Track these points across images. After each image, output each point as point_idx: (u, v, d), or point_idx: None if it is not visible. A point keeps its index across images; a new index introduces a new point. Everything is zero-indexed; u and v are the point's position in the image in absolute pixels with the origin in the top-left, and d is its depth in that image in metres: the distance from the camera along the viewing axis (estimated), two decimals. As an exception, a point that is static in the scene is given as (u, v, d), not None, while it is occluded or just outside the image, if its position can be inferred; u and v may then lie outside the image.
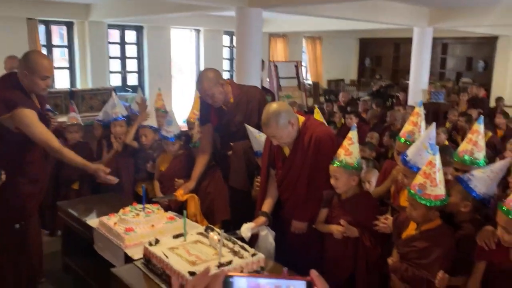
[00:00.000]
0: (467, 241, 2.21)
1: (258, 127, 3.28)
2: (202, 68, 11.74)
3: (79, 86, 9.67)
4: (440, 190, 2.19)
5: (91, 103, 9.07)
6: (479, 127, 2.55)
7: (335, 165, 2.60)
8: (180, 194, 3.41)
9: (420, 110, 2.69)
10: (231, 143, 3.40)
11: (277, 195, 2.93)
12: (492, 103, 9.90)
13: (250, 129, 3.24)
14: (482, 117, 2.80)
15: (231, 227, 3.56)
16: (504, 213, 1.95)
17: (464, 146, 2.60)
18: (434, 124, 2.49)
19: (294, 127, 2.71)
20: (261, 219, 2.80)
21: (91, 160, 4.24)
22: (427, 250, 2.22)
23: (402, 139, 2.70)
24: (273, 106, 2.70)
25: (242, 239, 2.69)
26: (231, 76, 12.19)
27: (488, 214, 2.31)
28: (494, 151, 5.77)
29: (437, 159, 2.19)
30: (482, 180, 2.26)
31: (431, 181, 2.18)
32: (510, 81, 12.38)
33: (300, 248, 2.83)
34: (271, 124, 2.65)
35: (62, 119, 5.05)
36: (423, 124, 2.67)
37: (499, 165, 2.31)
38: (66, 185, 4.28)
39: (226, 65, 12.63)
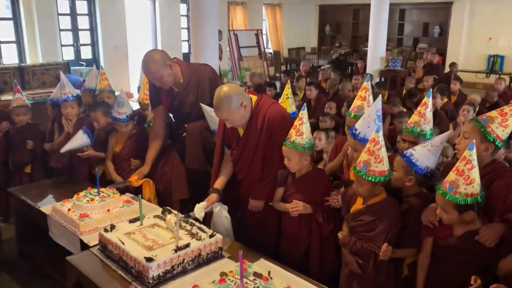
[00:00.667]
0: (411, 214, 2.30)
1: (211, 106, 3.23)
2: (159, 39, 11.40)
3: (29, 61, 9.18)
4: (383, 166, 2.25)
5: (43, 78, 8.66)
6: (428, 100, 2.61)
7: (287, 146, 2.60)
8: (134, 179, 3.34)
9: (368, 85, 2.72)
10: (185, 125, 3.32)
11: (230, 173, 2.92)
12: (447, 69, 10.14)
13: (206, 108, 3.18)
14: (430, 90, 2.87)
15: (190, 207, 3.56)
16: (441, 195, 2.03)
17: (413, 118, 2.67)
18: (380, 97, 2.53)
19: (247, 109, 2.68)
20: (213, 196, 2.79)
21: (42, 141, 4.09)
22: (373, 224, 2.29)
23: (352, 114, 2.72)
24: (224, 89, 2.65)
25: (197, 219, 2.68)
26: (189, 46, 11.90)
27: (433, 186, 2.39)
28: (447, 116, 5.97)
29: (380, 136, 2.23)
30: (424, 154, 2.33)
31: (375, 157, 2.23)
32: (464, 45, 12.71)
33: (258, 226, 2.86)
34: (223, 108, 2.62)
35: (10, 97, 4.77)
36: (371, 98, 2.71)
37: (438, 139, 2.38)
38: (18, 169, 4.12)
39: (184, 35, 12.29)
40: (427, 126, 2.60)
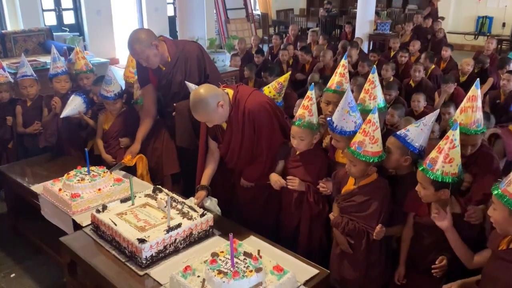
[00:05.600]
0: (403, 193, 2.36)
1: (199, 84, 3.20)
2: (144, 2, 11.07)
3: (9, 27, 8.91)
4: (378, 147, 2.30)
5: (26, 46, 8.44)
6: (345, 62, 2.77)
7: (301, 127, 2.61)
8: (129, 159, 3.34)
9: (346, 63, 2.77)
10: (174, 104, 3.30)
11: (215, 166, 2.95)
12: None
13: (191, 86, 3.15)
14: (346, 53, 3.19)
15: (181, 181, 3.61)
16: (420, 171, 2.10)
17: (334, 79, 2.78)
18: (348, 89, 2.55)
19: (225, 107, 2.66)
20: (201, 193, 2.80)
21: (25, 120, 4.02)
22: (365, 204, 2.35)
23: (331, 89, 2.76)
24: (199, 92, 2.60)
25: None
26: (174, 9, 11.59)
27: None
28: (435, 83, 5.99)
29: (376, 118, 2.27)
30: (417, 133, 2.37)
31: (370, 138, 2.27)
32: (453, 6, 12.55)
33: (249, 202, 2.94)
34: (200, 112, 2.61)
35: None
36: (348, 75, 2.78)
37: (429, 117, 2.41)
38: (3, 146, 4.08)
39: (170, -4, 11.96)
40: (347, 84, 2.74)
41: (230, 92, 2.76)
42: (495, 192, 1.69)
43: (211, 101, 2.59)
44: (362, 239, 2.36)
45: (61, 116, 3.63)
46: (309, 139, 2.65)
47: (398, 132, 2.42)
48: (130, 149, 3.41)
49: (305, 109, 2.62)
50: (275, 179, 2.76)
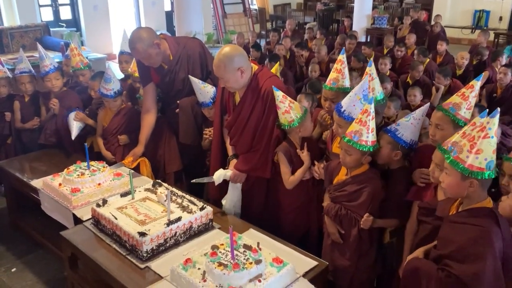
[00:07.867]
0: (395, 187, 2.38)
1: (203, 80, 3.21)
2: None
3: (6, 23, 8.87)
4: (373, 136, 2.33)
5: (23, 41, 8.43)
6: (342, 57, 2.74)
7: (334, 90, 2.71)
8: (129, 161, 3.32)
9: (343, 58, 2.76)
10: (178, 101, 3.31)
11: None
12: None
13: (194, 80, 3.15)
14: (343, 49, 3.07)
15: (183, 178, 3.62)
16: (440, 151, 1.96)
17: (331, 75, 2.78)
18: (367, 77, 2.55)
19: (244, 75, 2.66)
20: (235, 162, 2.86)
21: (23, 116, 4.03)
22: (356, 193, 2.38)
23: (328, 86, 2.77)
24: (227, 48, 2.65)
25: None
26: (172, 3, 11.56)
27: (411, 158, 2.49)
28: (430, 78, 6.00)
29: (372, 108, 2.29)
30: (408, 128, 2.39)
31: (367, 128, 2.29)
32: (450, 0, 12.56)
33: (247, 195, 2.93)
34: (220, 65, 2.61)
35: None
36: (346, 71, 2.77)
37: (419, 111, 2.44)
38: (2, 142, 4.08)
39: (167, -8, 11.92)
40: (346, 80, 2.75)
41: (254, 67, 2.79)
42: (449, 160, 1.80)
43: (237, 60, 2.62)
44: (353, 228, 2.39)
45: (73, 137, 3.64)
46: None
47: (388, 127, 2.44)
48: (133, 151, 3.37)
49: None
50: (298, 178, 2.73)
